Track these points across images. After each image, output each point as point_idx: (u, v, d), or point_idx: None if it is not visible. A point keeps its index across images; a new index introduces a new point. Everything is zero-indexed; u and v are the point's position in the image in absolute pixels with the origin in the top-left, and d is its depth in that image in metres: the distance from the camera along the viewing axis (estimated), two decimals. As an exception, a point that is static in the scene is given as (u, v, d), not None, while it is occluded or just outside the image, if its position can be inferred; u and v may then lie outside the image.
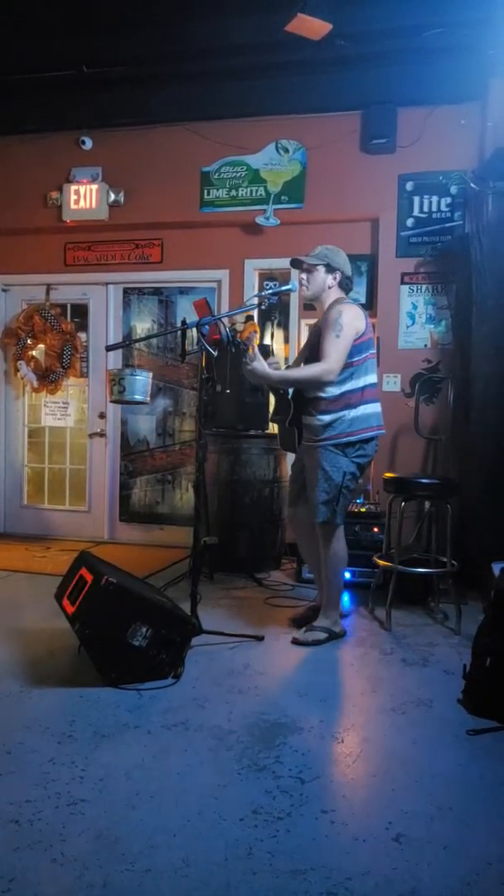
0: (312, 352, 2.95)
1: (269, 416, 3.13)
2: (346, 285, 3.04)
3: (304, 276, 3.02)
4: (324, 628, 3.01)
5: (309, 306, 4.73)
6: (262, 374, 2.85)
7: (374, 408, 2.94)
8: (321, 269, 2.98)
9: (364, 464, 2.98)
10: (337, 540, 2.97)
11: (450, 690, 2.47)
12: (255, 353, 2.81)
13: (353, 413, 2.87)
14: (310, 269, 3.00)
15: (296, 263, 3.06)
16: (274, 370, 2.90)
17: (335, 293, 3.01)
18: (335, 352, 2.81)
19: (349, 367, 2.86)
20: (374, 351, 2.99)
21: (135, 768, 1.92)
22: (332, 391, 2.85)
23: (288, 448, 3.19)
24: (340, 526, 2.97)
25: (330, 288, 3.00)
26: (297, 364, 3.09)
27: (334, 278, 2.99)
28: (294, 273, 4.63)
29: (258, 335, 2.95)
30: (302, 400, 2.95)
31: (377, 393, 3.00)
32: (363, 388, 2.90)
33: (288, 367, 3.15)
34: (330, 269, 2.98)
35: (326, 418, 2.87)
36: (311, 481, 2.95)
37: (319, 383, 2.84)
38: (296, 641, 2.98)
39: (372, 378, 2.95)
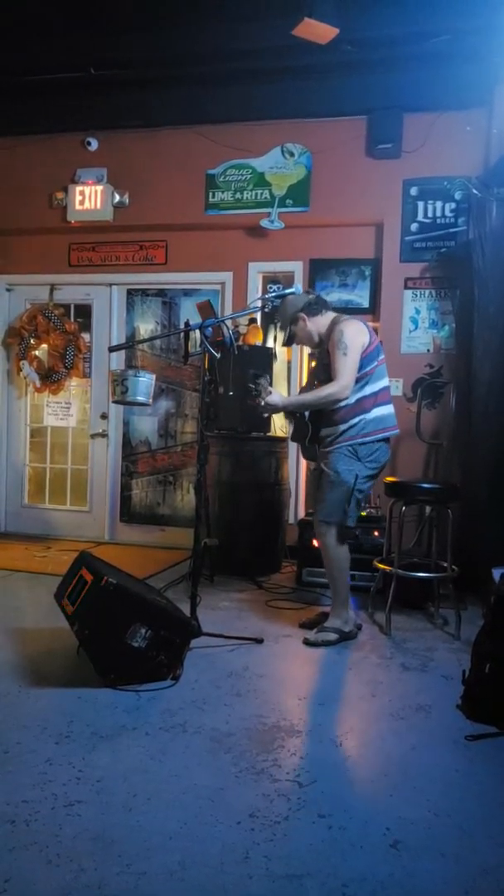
0: (326, 372, 3.02)
1: (290, 436, 3.23)
2: (316, 307, 3.08)
3: (297, 344, 3.17)
4: (335, 629, 3.02)
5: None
6: (282, 405, 2.99)
7: (388, 409, 3.05)
8: (294, 329, 3.09)
9: (376, 470, 3.05)
10: (338, 539, 3.02)
11: (449, 696, 2.46)
12: (268, 389, 2.94)
13: (368, 416, 2.97)
14: (292, 336, 3.12)
15: (288, 342, 3.20)
16: (286, 398, 3.01)
17: (323, 319, 3.08)
18: (345, 369, 2.89)
19: (363, 377, 2.96)
20: (383, 356, 3.08)
21: (132, 770, 1.92)
22: (349, 399, 2.94)
23: (311, 458, 3.28)
24: (348, 527, 3.03)
25: (309, 325, 3.07)
26: (309, 387, 3.17)
27: (303, 320, 3.06)
28: (297, 276, 4.72)
29: (268, 379, 3.13)
30: (319, 416, 3.05)
31: (389, 395, 3.10)
32: (377, 393, 3.00)
33: (302, 391, 3.25)
34: (293, 320, 3.07)
35: (343, 426, 2.97)
36: (322, 481, 3.02)
37: (335, 401, 2.93)
38: (307, 642, 2.99)
39: (384, 382, 3.05)
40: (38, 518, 5.39)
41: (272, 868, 1.52)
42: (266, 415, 3.10)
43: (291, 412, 3.14)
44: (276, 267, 4.85)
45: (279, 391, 3.00)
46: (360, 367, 2.93)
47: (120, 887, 1.45)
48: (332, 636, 3.00)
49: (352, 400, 2.94)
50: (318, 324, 3.08)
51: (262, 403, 2.93)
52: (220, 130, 4.73)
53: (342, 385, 2.88)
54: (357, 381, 2.94)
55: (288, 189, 4.69)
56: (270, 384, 3.01)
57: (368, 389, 2.98)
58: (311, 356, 4.57)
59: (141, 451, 5.25)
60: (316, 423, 3.07)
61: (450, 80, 4.20)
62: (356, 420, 2.96)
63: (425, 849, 1.61)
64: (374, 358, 3.00)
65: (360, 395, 2.96)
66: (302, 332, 3.10)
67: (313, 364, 3.37)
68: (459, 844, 1.64)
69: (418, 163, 4.43)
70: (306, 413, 3.07)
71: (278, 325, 3.14)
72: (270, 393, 2.95)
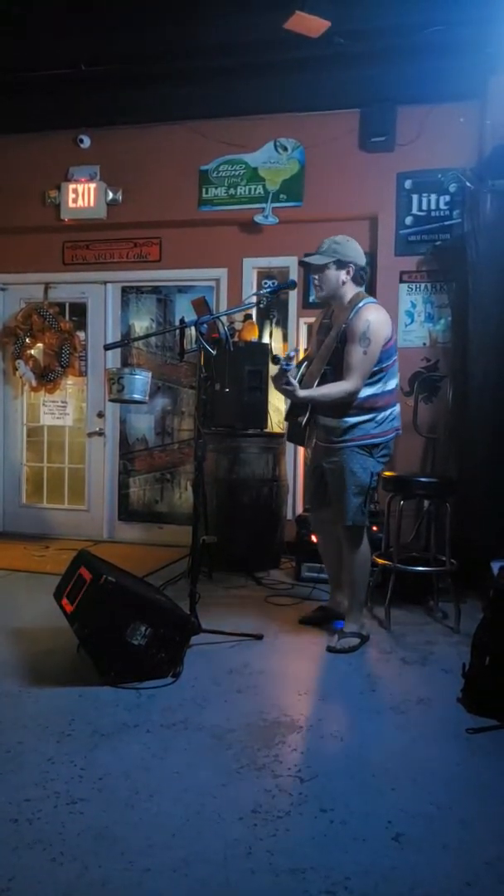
0: (336, 357, 2.82)
1: (285, 414, 3.10)
2: (360, 277, 2.89)
3: (315, 276, 2.89)
4: (354, 633, 2.97)
5: (308, 305, 4.73)
6: (300, 396, 2.80)
7: (396, 409, 2.94)
8: (332, 267, 2.84)
9: (386, 463, 2.98)
10: (364, 541, 2.96)
11: (449, 689, 2.47)
12: (290, 378, 2.76)
13: (381, 415, 2.85)
14: (320, 270, 2.87)
15: (304, 265, 2.94)
16: (305, 391, 2.82)
17: (351, 288, 2.88)
18: (361, 370, 2.74)
19: (379, 373, 2.81)
20: (397, 355, 2.94)
21: (134, 767, 1.92)
22: (359, 394, 2.80)
23: (296, 441, 3.14)
24: (365, 528, 2.97)
25: (344, 284, 2.86)
26: (316, 366, 2.95)
27: (347, 273, 2.85)
28: (293, 271, 4.71)
29: (297, 353, 2.95)
30: (322, 402, 2.88)
31: (397, 395, 2.97)
32: (390, 392, 2.87)
33: (304, 365, 3.03)
34: (341, 264, 2.84)
35: (352, 420, 2.82)
36: (337, 484, 2.89)
37: (347, 399, 2.79)
38: (331, 650, 2.90)
39: (396, 381, 2.93)
40: (36, 517, 5.38)
41: (275, 862, 1.53)
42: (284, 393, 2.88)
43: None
44: (270, 262, 4.83)
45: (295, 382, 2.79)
46: (379, 362, 2.78)
47: (124, 884, 1.45)
48: (355, 641, 2.93)
49: (362, 395, 2.79)
50: (347, 290, 2.86)
51: (281, 387, 2.74)
52: (213, 126, 4.71)
53: (353, 388, 2.74)
54: (372, 375, 2.78)
55: (281, 184, 4.67)
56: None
57: (381, 387, 2.83)
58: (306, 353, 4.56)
59: (138, 449, 5.24)
60: (314, 407, 2.92)
61: (443, 71, 4.18)
62: (368, 417, 2.82)
63: (427, 841, 1.62)
64: (392, 354, 2.85)
65: (373, 391, 2.80)
66: (332, 280, 2.84)
67: (313, 351, 3.11)
68: (461, 837, 1.65)
69: (412, 156, 4.41)
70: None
71: (321, 246, 2.84)
72: (290, 383, 2.73)
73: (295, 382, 2.77)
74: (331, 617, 3.20)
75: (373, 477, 2.88)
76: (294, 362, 2.79)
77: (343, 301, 2.88)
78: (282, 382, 2.76)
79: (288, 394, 2.80)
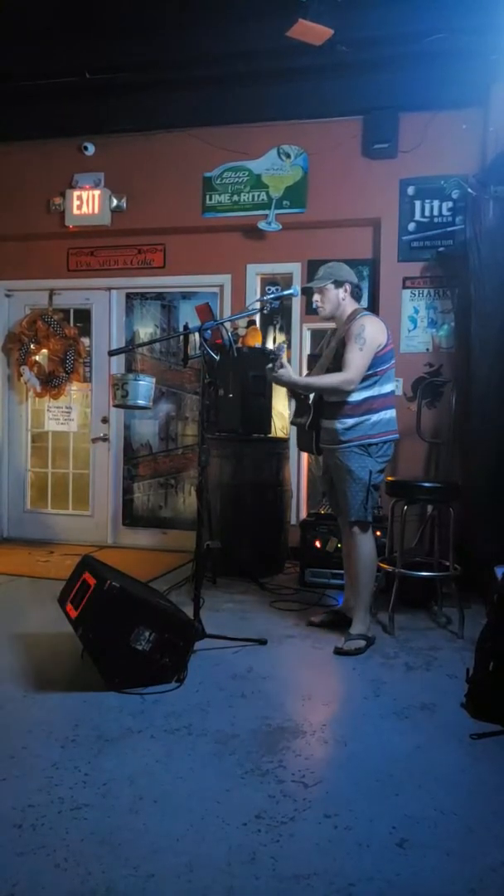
0: (336, 362, 3.02)
1: (290, 418, 3.23)
2: (356, 294, 3.16)
3: (317, 297, 3.16)
4: (360, 635, 3.01)
5: (312, 310, 4.74)
6: (287, 381, 3.03)
7: (392, 413, 3.07)
8: (331, 287, 3.10)
9: (386, 463, 3.09)
10: (369, 539, 3.05)
11: (453, 694, 2.47)
12: (284, 361, 2.98)
13: (374, 417, 2.99)
14: (321, 291, 3.12)
15: (307, 291, 3.20)
16: (296, 376, 3.03)
17: (350, 304, 3.12)
18: (357, 363, 2.92)
19: (373, 377, 2.98)
20: (394, 361, 3.09)
21: (138, 773, 1.93)
22: (355, 397, 2.97)
23: (305, 449, 3.27)
24: (370, 526, 3.06)
25: (343, 300, 3.12)
26: (318, 371, 3.19)
27: (345, 290, 3.11)
28: (296, 278, 4.73)
29: (286, 346, 3.11)
30: (322, 405, 3.06)
31: (394, 401, 3.11)
32: (385, 395, 3.03)
33: (309, 375, 3.26)
34: (338, 283, 3.10)
35: (349, 422, 2.98)
36: (338, 484, 3.05)
37: (340, 392, 2.96)
38: (338, 651, 2.94)
39: (392, 386, 3.08)
40: (41, 523, 5.39)
41: (279, 868, 1.53)
42: (274, 382, 3.15)
43: (296, 392, 3.16)
44: (274, 268, 4.85)
45: (290, 369, 3.04)
46: (373, 366, 2.96)
47: (128, 890, 1.45)
48: (362, 643, 2.97)
49: (358, 397, 2.95)
50: (346, 306, 3.11)
51: (276, 372, 2.96)
52: (217, 133, 4.74)
53: (349, 378, 2.90)
54: (366, 378, 2.95)
55: (285, 190, 4.70)
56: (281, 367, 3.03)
57: (377, 390, 2.99)
58: (310, 356, 4.58)
59: (142, 454, 5.25)
60: (318, 407, 3.06)
61: (446, 78, 4.20)
62: (363, 419, 2.97)
63: (431, 847, 1.61)
64: (387, 360, 3.02)
65: (368, 393, 2.97)
66: (333, 298, 3.10)
67: (317, 358, 3.34)
68: (465, 842, 1.64)
69: (415, 162, 4.43)
70: (311, 396, 3.08)
71: (318, 273, 3.15)
72: (283, 366, 2.97)
73: (283, 369, 2.97)
74: (342, 621, 3.20)
75: (371, 474, 3.00)
76: (281, 352, 3.01)
77: (343, 316, 3.12)
78: (272, 369, 2.97)
79: (276, 379, 3.02)
